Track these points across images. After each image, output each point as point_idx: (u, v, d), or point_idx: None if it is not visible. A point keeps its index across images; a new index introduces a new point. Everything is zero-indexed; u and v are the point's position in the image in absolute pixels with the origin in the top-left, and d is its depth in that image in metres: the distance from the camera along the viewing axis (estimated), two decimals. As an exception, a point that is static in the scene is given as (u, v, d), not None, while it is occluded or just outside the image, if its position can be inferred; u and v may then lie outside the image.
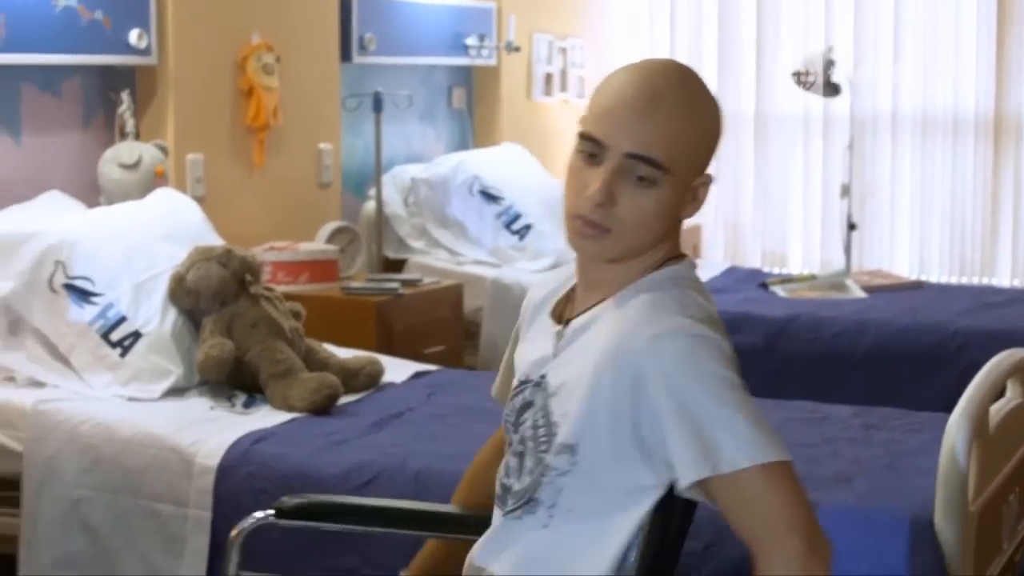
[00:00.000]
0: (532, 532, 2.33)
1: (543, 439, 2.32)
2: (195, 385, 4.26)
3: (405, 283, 5.41)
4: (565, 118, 7.57)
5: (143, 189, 4.81)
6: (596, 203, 2.23)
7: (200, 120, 5.23)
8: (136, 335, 4.23)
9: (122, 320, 4.24)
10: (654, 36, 8.44)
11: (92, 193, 4.90)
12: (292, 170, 5.66)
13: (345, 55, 6.01)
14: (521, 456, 2.35)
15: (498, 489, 2.41)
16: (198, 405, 4.11)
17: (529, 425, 2.34)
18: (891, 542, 3.11)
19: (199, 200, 5.00)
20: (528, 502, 2.33)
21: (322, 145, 5.83)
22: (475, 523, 2.53)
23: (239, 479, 3.68)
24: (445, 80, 6.96)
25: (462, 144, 7.12)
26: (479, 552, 2.41)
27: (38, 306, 4.22)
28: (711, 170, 2.33)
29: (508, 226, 6.28)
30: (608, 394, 2.23)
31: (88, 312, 4.22)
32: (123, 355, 4.18)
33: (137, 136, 5.01)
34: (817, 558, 2.11)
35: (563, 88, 7.68)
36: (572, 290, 2.43)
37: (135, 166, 4.82)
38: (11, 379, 4.19)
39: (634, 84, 2.26)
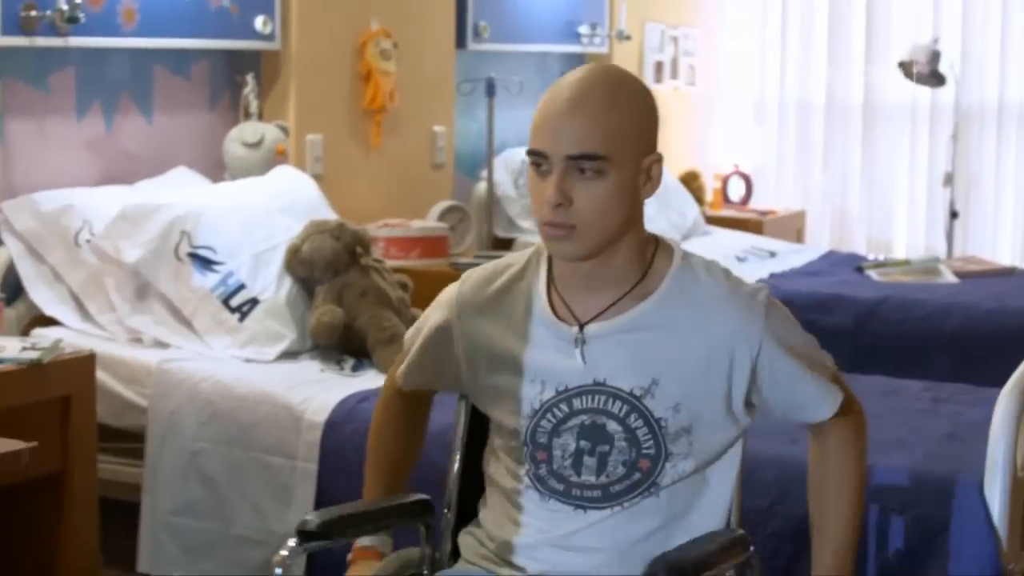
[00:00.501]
0: (651, 509, 2.49)
1: (646, 437, 2.46)
2: (307, 349, 4.46)
3: (511, 260, 5.60)
4: (676, 105, 7.75)
5: (264, 166, 5.05)
6: (554, 205, 2.38)
7: (320, 102, 5.47)
8: (254, 301, 4.43)
9: (241, 287, 4.44)
10: (766, 26, 8.58)
11: (217, 169, 5.16)
12: (407, 151, 5.90)
13: (460, 42, 6.23)
14: (604, 455, 2.47)
15: (555, 485, 2.50)
16: (309, 368, 4.32)
17: (618, 429, 2.46)
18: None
19: (318, 178, 5.24)
20: (649, 487, 2.47)
21: (436, 127, 6.07)
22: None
23: (344, 435, 3.90)
24: (558, 66, 7.12)
25: (572, 129, 7.28)
26: (548, 542, 2.51)
27: (164, 273, 4.42)
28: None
29: (613, 208, 6.46)
30: (723, 370, 2.45)
31: (210, 279, 4.43)
32: (241, 320, 4.39)
33: (260, 117, 5.25)
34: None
35: (674, 76, 7.86)
36: (551, 291, 2.53)
37: (257, 145, 5.07)
38: (138, 340, 4.40)
39: (559, 94, 2.41)
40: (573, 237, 2.40)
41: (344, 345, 4.44)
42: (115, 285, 4.45)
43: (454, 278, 5.34)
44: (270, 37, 5.24)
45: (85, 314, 4.50)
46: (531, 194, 2.46)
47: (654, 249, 2.52)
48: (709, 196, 7.75)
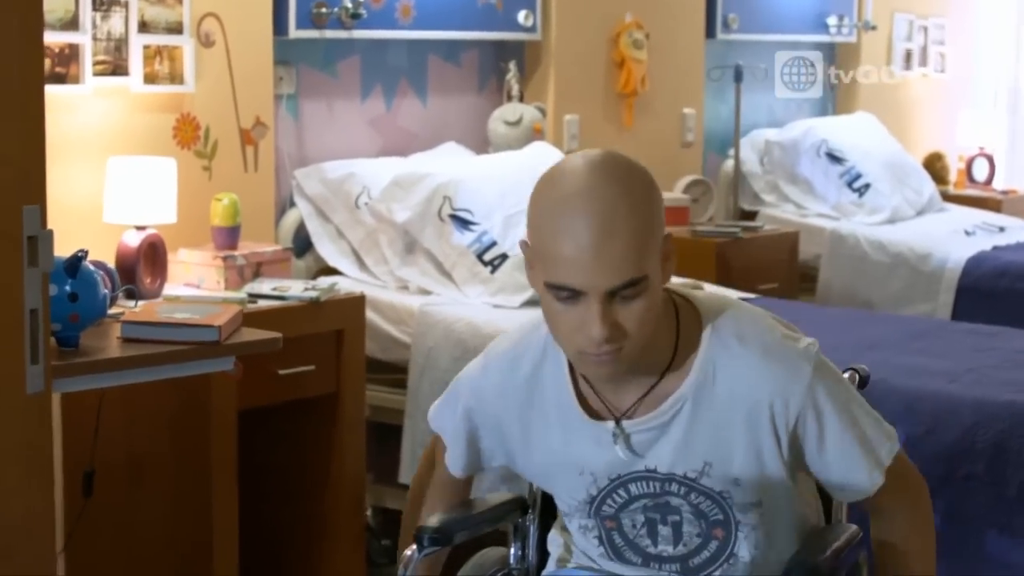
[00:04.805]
0: None
1: (711, 508, 2.33)
2: (548, 299, 4.94)
3: (746, 229, 6.09)
4: (924, 91, 8.04)
5: (523, 142, 5.53)
6: (604, 339, 2.14)
7: (577, 86, 5.98)
8: (504, 256, 4.84)
9: (493, 244, 4.87)
10: (1022, 16, 8.75)
11: (483, 144, 5.65)
12: (657, 130, 6.38)
13: (710, 32, 6.69)
14: (678, 524, 2.35)
15: (632, 557, 2.42)
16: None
17: (681, 503, 2.33)
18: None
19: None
20: (728, 558, 2.37)
21: (686, 110, 6.54)
22: None
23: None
24: (807, 53, 7.51)
25: (823, 112, 7.65)
26: None
27: (429, 231, 4.86)
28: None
29: (850, 184, 6.85)
30: (774, 447, 2.28)
31: (467, 237, 4.87)
32: (492, 272, 4.81)
33: (521, 99, 5.76)
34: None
35: (923, 63, 8.12)
36: (577, 384, 2.35)
37: (517, 123, 5.59)
38: (405, 288, 4.86)
39: (585, 225, 2.13)
40: (618, 359, 2.20)
41: (579, 296, 4.95)
42: (388, 242, 4.89)
43: (691, 243, 5.90)
44: (532, 29, 5.75)
45: (362, 266, 4.95)
46: (555, 321, 2.21)
47: (675, 313, 2.32)
48: (953, 176, 8.00)
